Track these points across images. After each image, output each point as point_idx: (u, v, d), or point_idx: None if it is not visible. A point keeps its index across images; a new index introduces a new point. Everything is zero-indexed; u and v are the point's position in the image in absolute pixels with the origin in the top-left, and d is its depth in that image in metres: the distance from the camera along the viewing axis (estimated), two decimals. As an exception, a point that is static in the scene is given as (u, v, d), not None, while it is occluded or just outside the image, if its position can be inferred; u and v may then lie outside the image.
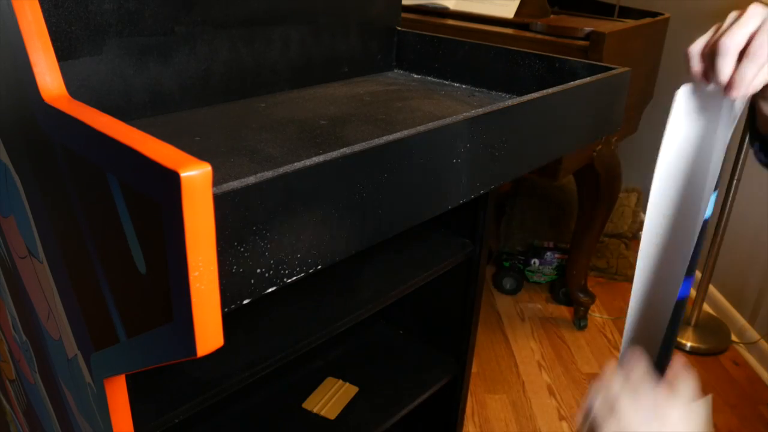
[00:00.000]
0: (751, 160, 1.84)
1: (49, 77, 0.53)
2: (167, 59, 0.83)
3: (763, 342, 1.88)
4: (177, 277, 0.42)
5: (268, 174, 0.49)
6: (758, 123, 0.67)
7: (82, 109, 0.50)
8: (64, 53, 0.73)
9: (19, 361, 0.84)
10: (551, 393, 1.82)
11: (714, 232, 1.90)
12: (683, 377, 0.54)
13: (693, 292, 2.12)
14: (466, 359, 1.29)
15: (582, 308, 2.09)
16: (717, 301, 2.14)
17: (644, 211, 2.68)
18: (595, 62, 0.94)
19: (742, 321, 2.00)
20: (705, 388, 1.90)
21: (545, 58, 0.98)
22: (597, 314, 2.18)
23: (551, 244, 2.31)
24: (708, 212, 0.60)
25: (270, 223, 0.50)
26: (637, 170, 2.57)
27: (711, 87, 0.60)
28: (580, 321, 2.10)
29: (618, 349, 2.02)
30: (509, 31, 1.64)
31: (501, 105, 0.71)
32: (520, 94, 0.79)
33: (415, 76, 1.14)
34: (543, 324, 2.13)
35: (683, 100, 0.64)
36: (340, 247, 0.57)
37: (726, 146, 0.60)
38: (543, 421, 1.71)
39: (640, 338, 0.64)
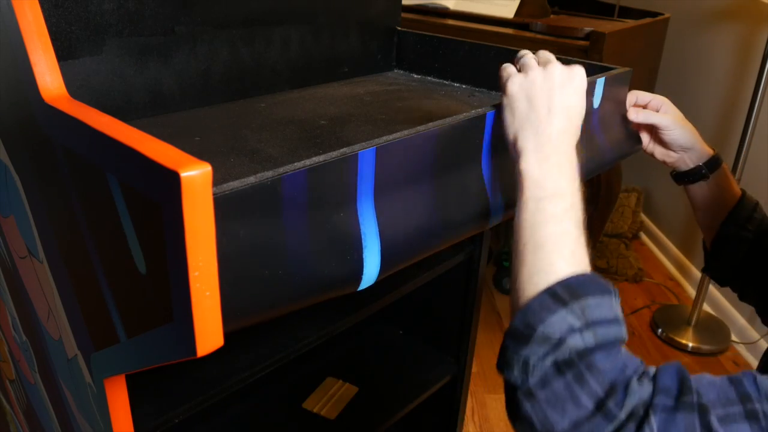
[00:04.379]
0: (750, 165, 1.84)
1: (49, 77, 0.53)
2: (167, 59, 0.83)
3: (763, 342, 1.88)
4: (177, 277, 0.42)
5: (268, 174, 0.49)
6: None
7: (82, 109, 0.50)
8: (64, 53, 0.73)
9: (19, 361, 0.84)
10: (551, 393, 1.82)
11: (714, 232, 1.91)
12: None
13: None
14: (466, 359, 1.29)
15: (582, 308, 2.09)
16: (717, 301, 2.14)
17: (644, 211, 2.68)
18: (595, 62, 0.94)
19: (742, 321, 2.00)
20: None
21: (545, 58, 0.98)
22: (597, 314, 2.18)
23: (551, 244, 2.30)
24: None
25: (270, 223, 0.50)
26: (637, 170, 2.57)
27: None
28: (580, 321, 2.10)
29: (618, 349, 2.02)
30: (509, 31, 1.64)
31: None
32: (520, 94, 0.79)
33: (415, 76, 1.14)
34: (543, 324, 2.13)
35: None
36: (340, 247, 0.57)
37: None
38: (543, 421, 1.71)
39: None
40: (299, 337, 0.87)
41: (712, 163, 0.85)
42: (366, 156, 0.56)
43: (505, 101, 0.63)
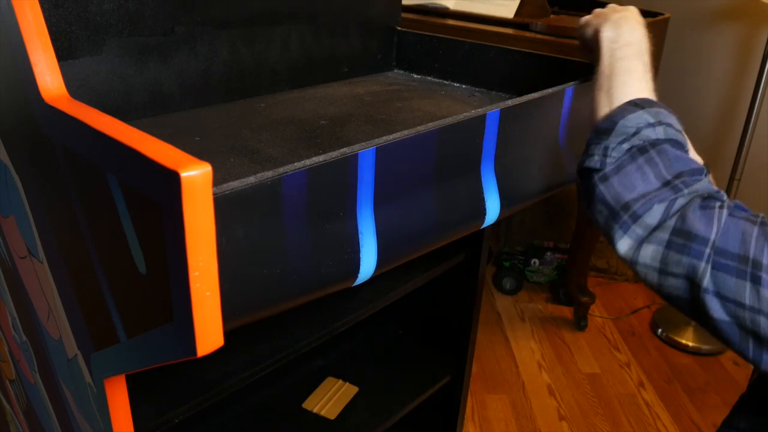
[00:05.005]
0: (750, 165, 1.84)
1: (49, 77, 0.53)
2: (167, 59, 0.83)
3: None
4: (177, 277, 0.42)
5: (268, 174, 0.49)
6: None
7: (82, 109, 0.50)
8: (64, 53, 0.73)
9: (19, 361, 0.84)
10: (551, 393, 1.82)
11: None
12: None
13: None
14: (466, 359, 1.29)
15: (582, 308, 2.09)
16: (717, 301, 2.13)
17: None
18: (595, 62, 0.94)
19: (742, 321, 2.00)
20: (705, 388, 1.90)
21: (545, 58, 0.98)
22: (597, 314, 2.18)
23: (551, 244, 2.31)
24: None
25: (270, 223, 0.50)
26: (637, 170, 2.57)
27: None
28: (580, 321, 2.10)
29: (618, 350, 2.02)
30: (509, 31, 1.64)
31: (501, 105, 0.71)
32: (520, 94, 0.79)
33: (415, 76, 1.14)
34: (543, 324, 2.13)
35: None
36: (340, 247, 0.57)
37: None
38: (543, 421, 1.71)
39: None
40: (299, 337, 0.87)
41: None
42: (366, 156, 0.56)
43: (580, 31, 0.80)
